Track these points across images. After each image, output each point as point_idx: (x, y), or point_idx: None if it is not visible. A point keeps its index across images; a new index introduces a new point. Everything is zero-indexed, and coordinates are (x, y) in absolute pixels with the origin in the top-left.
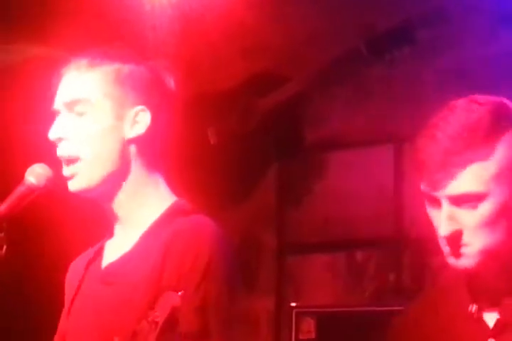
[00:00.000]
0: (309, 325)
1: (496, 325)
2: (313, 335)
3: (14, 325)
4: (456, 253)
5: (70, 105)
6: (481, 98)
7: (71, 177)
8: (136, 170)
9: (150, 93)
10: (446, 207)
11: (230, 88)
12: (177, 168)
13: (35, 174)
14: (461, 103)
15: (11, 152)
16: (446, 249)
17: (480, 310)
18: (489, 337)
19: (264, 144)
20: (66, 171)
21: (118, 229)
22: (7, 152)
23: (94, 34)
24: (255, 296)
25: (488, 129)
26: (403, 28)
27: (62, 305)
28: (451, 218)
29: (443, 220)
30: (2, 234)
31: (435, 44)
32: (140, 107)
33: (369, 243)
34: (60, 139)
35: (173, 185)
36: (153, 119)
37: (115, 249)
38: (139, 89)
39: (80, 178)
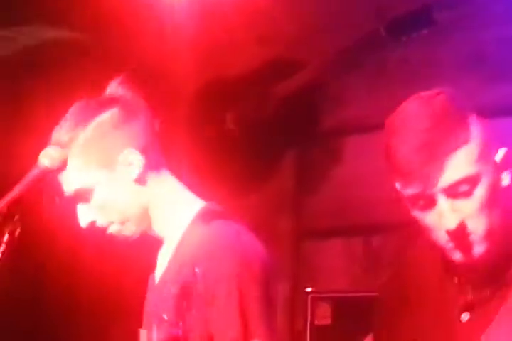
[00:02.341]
0: (325, 311)
1: (472, 300)
2: (328, 321)
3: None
4: (464, 244)
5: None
6: (428, 93)
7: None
8: (155, 190)
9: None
10: (443, 201)
11: (246, 74)
12: (195, 154)
13: (49, 157)
14: (416, 99)
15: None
16: (450, 244)
17: (463, 285)
18: (465, 310)
19: (281, 130)
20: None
21: (164, 237)
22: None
23: (112, 16)
24: None
25: (456, 115)
26: (422, 9)
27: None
28: (453, 210)
29: (446, 214)
30: (17, 217)
31: (454, 25)
32: (128, 150)
33: (386, 228)
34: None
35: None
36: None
37: (162, 260)
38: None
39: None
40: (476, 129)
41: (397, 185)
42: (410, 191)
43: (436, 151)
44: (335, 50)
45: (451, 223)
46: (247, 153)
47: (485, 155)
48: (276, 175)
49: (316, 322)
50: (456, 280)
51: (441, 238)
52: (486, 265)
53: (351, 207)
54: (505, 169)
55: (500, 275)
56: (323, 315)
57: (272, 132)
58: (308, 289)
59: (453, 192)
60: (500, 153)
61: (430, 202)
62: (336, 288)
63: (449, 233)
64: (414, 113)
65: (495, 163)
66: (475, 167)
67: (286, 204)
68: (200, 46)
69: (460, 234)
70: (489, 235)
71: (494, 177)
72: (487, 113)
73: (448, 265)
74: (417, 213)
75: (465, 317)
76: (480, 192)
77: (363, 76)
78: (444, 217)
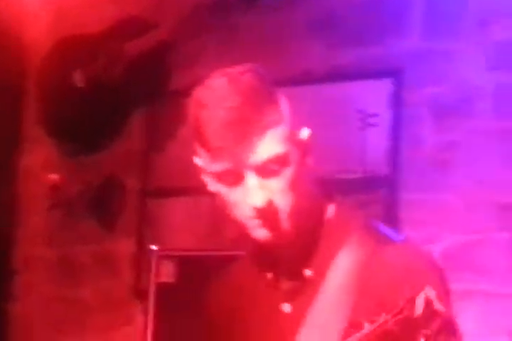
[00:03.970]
0: (169, 269)
1: (289, 290)
2: (173, 279)
3: None
4: (271, 222)
5: None
6: (236, 69)
7: None
8: None
9: None
10: (252, 178)
11: (98, 33)
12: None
13: None
14: (224, 75)
15: None
16: (256, 221)
17: (276, 277)
18: (284, 301)
19: (131, 89)
20: None
21: None
22: None
23: None
24: (117, 239)
25: (265, 94)
26: None
27: None
28: (262, 187)
29: (254, 191)
30: None
31: None
32: None
33: None
34: None
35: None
36: None
37: None
38: None
39: None
40: (285, 109)
41: (200, 160)
42: (218, 167)
43: (247, 129)
44: (187, 10)
45: (259, 200)
46: (96, 111)
47: (293, 135)
48: (125, 134)
49: (160, 279)
50: (269, 275)
51: (247, 215)
52: (293, 243)
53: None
54: (310, 149)
55: (309, 258)
56: (168, 273)
57: (122, 91)
58: (154, 247)
59: (262, 170)
60: (305, 133)
61: (238, 179)
62: (180, 246)
63: (256, 210)
64: (222, 89)
65: (301, 142)
66: (284, 146)
67: (134, 162)
68: (53, 5)
69: (267, 211)
70: (295, 213)
71: (300, 157)
72: (338, 77)
73: (259, 261)
74: (221, 188)
75: (286, 308)
76: (288, 171)
77: (214, 38)
78: (251, 193)
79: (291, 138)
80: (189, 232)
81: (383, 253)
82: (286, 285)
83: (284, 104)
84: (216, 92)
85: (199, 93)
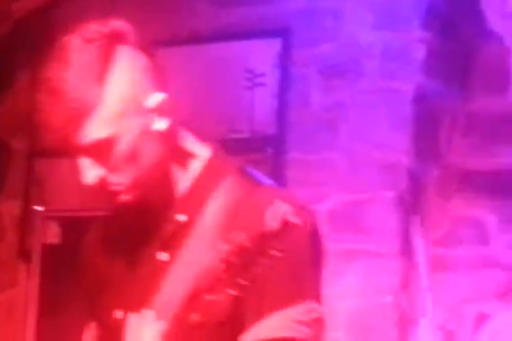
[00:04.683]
0: (54, 229)
1: (164, 238)
2: (57, 239)
3: None
4: (110, 194)
5: None
6: (94, 30)
7: None
8: None
9: None
10: (84, 158)
11: None
12: None
13: None
14: (71, 41)
15: None
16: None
17: (151, 227)
18: (160, 250)
19: (16, 49)
20: None
21: None
22: None
23: None
24: (2, 200)
25: (103, 69)
26: None
27: None
28: (93, 165)
29: (86, 169)
30: None
31: None
32: None
33: None
34: None
35: None
36: None
37: None
38: None
39: None
40: (136, 75)
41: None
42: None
43: (79, 107)
44: None
45: (90, 178)
46: None
47: (138, 102)
48: (11, 94)
49: (46, 240)
50: (143, 225)
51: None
52: (153, 196)
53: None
54: (161, 114)
55: (181, 204)
56: (53, 234)
57: (7, 51)
58: (39, 208)
59: (93, 149)
60: (156, 98)
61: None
62: (67, 207)
63: (90, 187)
64: (66, 60)
65: (146, 110)
66: (117, 124)
67: (19, 123)
68: None
69: (102, 186)
70: (137, 184)
71: (144, 126)
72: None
73: (130, 215)
74: None
75: (163, 256)
76: (123, 146)
77: None
78: (83, 172)
79: (137, 107)
80: (75, 193)
81: (253, 194)
82: (160, 233)
83: (134, 69)
84: (60, 58)
85: (52, 56)
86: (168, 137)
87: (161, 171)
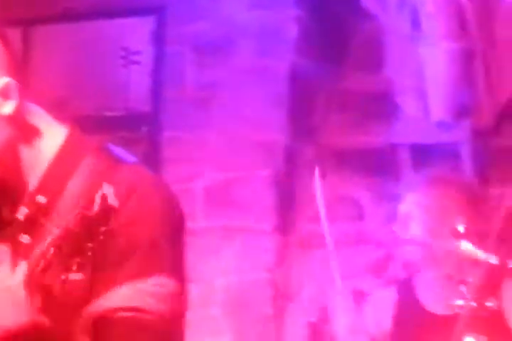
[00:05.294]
0: None
1: (25, 220)
2: None
3: None
4: None
5: None
6: None
7: None
8: None
9: None
10: None
11: None
12: None
13: None
14: None
15: None
16: None
17: (11, 209)
18: (22, 232)
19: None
20: None
21: None
22: None
23: None
24: None
25: None
26: None
27: None
28: None
29: None
30: None
31: None
32: None
33: None
34: None
35: None
36: None
37: None
38: None
39: None
40: None
41: None
42: None
43: None
44: None
45: None
46: None
47: None
48: None
49: None
50: (4, 208)
51: None
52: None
53: None
54: (6, 98)
55: (40, 185)
56: None
57: None
58: None
59: None
60: None
61: None
62: None
63: None
64: None
65: None
66: None
67: None
68: None
69: None
70: None
71: None
72: (100, 14)
73: None
74: None
75: (25, 239)
76: None
77: None
78: None
79: None
80: None
81: (113, 172)
82: (21, 215)
83: None
84: None
85: None
86: (16, 120)
87: (11, 154)
